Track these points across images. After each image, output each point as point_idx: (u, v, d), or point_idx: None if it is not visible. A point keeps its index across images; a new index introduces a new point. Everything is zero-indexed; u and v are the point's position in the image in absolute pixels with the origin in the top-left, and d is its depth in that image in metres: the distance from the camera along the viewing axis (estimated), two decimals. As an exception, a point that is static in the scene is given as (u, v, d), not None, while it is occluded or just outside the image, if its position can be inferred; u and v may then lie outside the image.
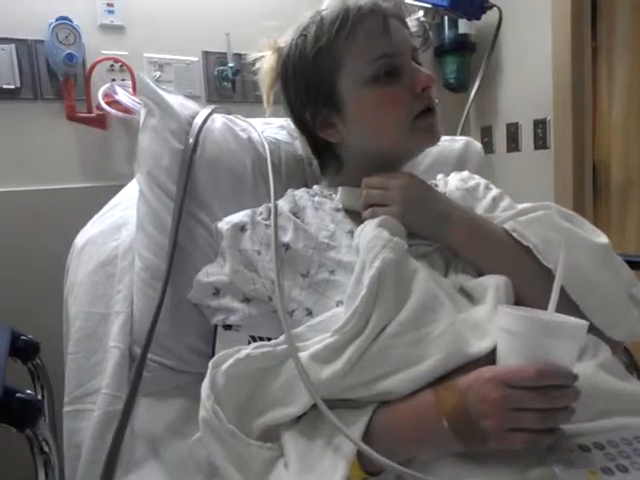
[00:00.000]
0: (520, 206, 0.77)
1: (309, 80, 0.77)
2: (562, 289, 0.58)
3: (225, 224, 0.75)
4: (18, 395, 0.61)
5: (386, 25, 0.73)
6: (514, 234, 0.70)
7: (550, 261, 0.66)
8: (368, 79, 0.73)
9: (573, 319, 0.53)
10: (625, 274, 0.71)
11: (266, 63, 0.85)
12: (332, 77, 0.75)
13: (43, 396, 0.86)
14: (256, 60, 0.87)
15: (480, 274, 0.70)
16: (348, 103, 0.75)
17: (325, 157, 0.84)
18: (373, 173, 0.77)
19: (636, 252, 1.79)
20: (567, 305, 0.64)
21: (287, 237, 0.71)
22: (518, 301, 0.67)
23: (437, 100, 0.78)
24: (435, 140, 0.77)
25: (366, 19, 0.73)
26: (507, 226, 0.71)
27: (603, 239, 0.71)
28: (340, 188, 0.79)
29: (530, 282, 0.67)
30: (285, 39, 0.82)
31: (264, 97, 0.88)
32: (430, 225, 0.72)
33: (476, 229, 0.71)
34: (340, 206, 0.77)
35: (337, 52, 0.74)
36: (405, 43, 0.76)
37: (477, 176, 0.91)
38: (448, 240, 0.71)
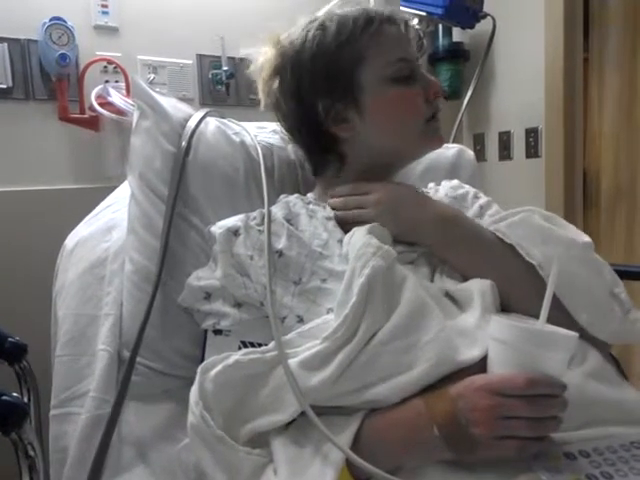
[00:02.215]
0: (504, 213, 0.79)
1: (329, 70, 0.77)
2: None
3: (218, 228, 0.75)
4: (4, 398, 0.60)
5: (406, 32, 0.78)
6: (497, 233, 0.71)
7: (533, 257, 0.67)
8: (389, 77, 0.76)
9: (564, 330, 0.54)
10: (607, 274, 0.71)
11: (266, 56, 0.83)
12: (354, 69, 0.76)
13: (29, 399, 0.85)
14: (251, 58, 0.85)
15: (466, 278, 0.70)
16: (368, 97, 0.77)
17: (327, 155, 0.83)
18: (373, 176, 0.79)
19: (624, 261, 1.81)
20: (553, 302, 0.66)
21: (280, 244, 0.71)
22: (504, 300, 0.68)
23: None
24: (440, 144, 0.82)
25: (389, 23, 0.77)
26: (490, 228, 0.73)
27: (584, 238, 0.72)
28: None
29: (515, 279, 0.68)
30: (289, 36, 0.81)
31: (261, 91, 0.85)
32: (407, 233, 0.73)
33: (450, 228, 0.72)
34: (331, 215, 0.77)
35: (361, 46, 0.76)
36: (416, 53, 0.80)
37: (467, 185, 0.92)
38: (426, 243, 0.73)
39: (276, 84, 0.82)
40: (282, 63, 0.81)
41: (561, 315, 0.65)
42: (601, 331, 0.68)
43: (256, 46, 0.85)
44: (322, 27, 0.77)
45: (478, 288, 0.66)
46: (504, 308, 0.68)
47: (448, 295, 0.69)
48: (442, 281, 0.70)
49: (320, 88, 0.78)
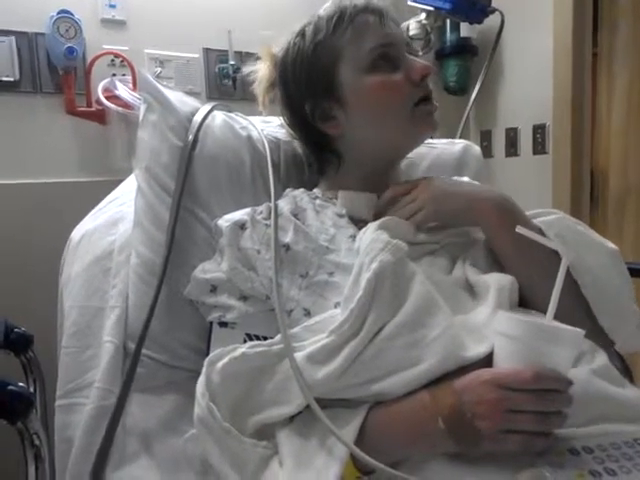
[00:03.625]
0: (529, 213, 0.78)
1: (309, 73, 0.79)
2: (577, 286, 0.63)
3: (225, 222, 0.75)
4: (10, 388, 0.60)
5: (382, 19, 0.77)
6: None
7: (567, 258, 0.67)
8: (367, 67, 0.75)
9: (570, 327, 0.54)
10: (630, 283, 0.72)
11: (261, 71, 0.88)
12: (332, 67, 0.77)
13: (35, 389, 0.85)
14: (252, 72, 0.90)
15: (492, 269, 0.70)
16: (348, 92, 0.77)
17: (325, 155, 0.84)
18: (373, 173, 0.79)
19: (634, 260, 1.80)
20: (579, 301, 0.67)
21: (287, 238, 0.71)
22: (532, 296, 0.68)
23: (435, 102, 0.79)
24: (433, 129, 0.80)
25: (362, 14, 0.77)
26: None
27: (613, 245, 0.73)
28: (340, 192, 0.79)
29: (550, 276, 0.67)
30: (280, 45, 0.84)
31: (260, 102, 0.91)
32: (461, 213, 0.73)
33: (505, 210, 0.71)
34: (343, 211, 0.77)
35: (336, 44, 0.76)
36: (400, 37, 0.79)
37: (477, 183, 0.91)
38: (480, 222, 0.72)
39: (272, 95, 0.88)
40: (274, 74, 0.85)
41: (583, 315, 0.66)
42: (617, 336, 0.69)
43: (258, 57, 0.89)
44: (302, 33, 0.80)
45: (496, 283, 0.66)
46: (529, 305, 0.68)
47: (468, 285, 0.68)
48: (464, 270, 0.70)
49: (304, 91, 0.80)
